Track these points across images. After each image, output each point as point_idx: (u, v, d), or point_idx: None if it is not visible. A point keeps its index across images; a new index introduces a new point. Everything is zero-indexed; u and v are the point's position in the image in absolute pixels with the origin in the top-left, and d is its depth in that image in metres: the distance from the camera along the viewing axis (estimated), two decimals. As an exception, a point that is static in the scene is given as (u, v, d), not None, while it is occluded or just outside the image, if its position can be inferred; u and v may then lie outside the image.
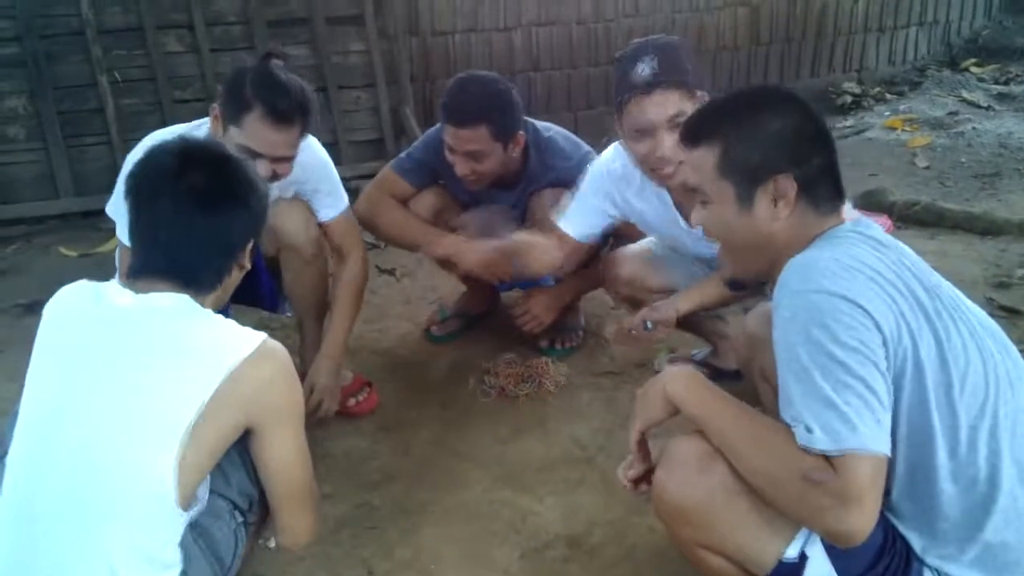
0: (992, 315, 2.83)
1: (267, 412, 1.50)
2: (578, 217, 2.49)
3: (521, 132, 2.60)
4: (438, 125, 2.67)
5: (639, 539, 2.07)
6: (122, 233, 2.23)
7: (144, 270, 1.50)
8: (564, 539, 2.10)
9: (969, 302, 1.47)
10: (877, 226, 1.45)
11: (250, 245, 1.61)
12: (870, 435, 1.22)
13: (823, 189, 1.44)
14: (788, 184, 1.40)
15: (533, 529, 2.14)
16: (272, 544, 1.96)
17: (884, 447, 1.24)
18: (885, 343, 1.27)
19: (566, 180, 2.63)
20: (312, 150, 2.41)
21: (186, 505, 1.42)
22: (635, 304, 2.51)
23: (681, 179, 2.13)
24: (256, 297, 2.64)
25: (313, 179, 2.45)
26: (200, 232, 1.50)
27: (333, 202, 2.51)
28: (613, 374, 2.83)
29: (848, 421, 1.22)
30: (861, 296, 1.27)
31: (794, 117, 1.44)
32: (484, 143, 2.50)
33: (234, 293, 1.64)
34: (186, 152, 1.55)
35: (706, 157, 1.48)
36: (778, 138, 1.43)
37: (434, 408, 2.69)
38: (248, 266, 1.63)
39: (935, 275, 1.43)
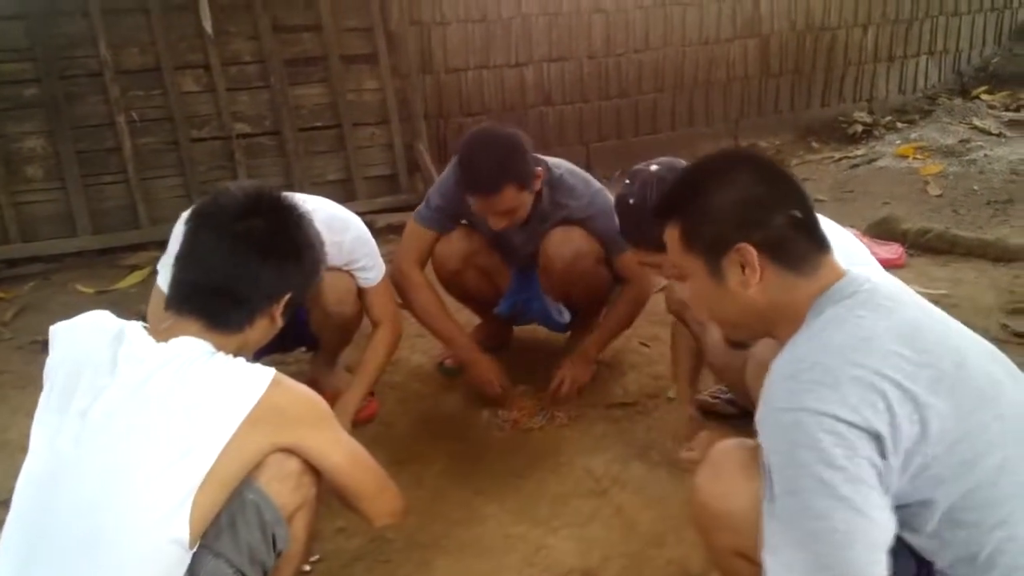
0: (1006, 342, 2.86)
1: (298, 428, 1.54)
2: None
3: (539, 168, 2.62)
4: (451, 169, 2.71)
5: (655, 573, 2.05)
6: (163, 282, 2.28)
7: (177, 302, 1.53)
8: (579, 572, 2.08)
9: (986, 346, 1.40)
10: (884, 279, 1.42)
11: (286, 299, 1.61)
12: None
13: (794, 247, 1.39)
14: (747, 251, 1.38)
15: (548, 562, 2.12)
16: (307, 568, 1.99)
17: None
18: (882, 448, 1.21)
19: (577, 218, 2.68)
20: (350, 231, 2.52)
21: (195, 542, 1.42)
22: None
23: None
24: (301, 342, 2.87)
25: (352, 256, 2.55)
26: (243, 271, 1.53)
27: (371, 275, 2.61)
28: (627, 405, 2.83)
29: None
30: (846, 407, 1.22)
31: (744, 183, 1.41)
32: (513, 199, 2.53)
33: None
34: (256, 197, 1.60)
35: (672, 234, 1.49)
36: (730, 209, 1.41)
37: (447, 441, 2.68)
38: (280, 323, 1.65)
39: (949, 325, 1.38)
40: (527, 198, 2.58)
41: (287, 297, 1.62)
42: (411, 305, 2.84)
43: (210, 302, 1.53)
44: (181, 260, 1.58)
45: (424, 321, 2.88)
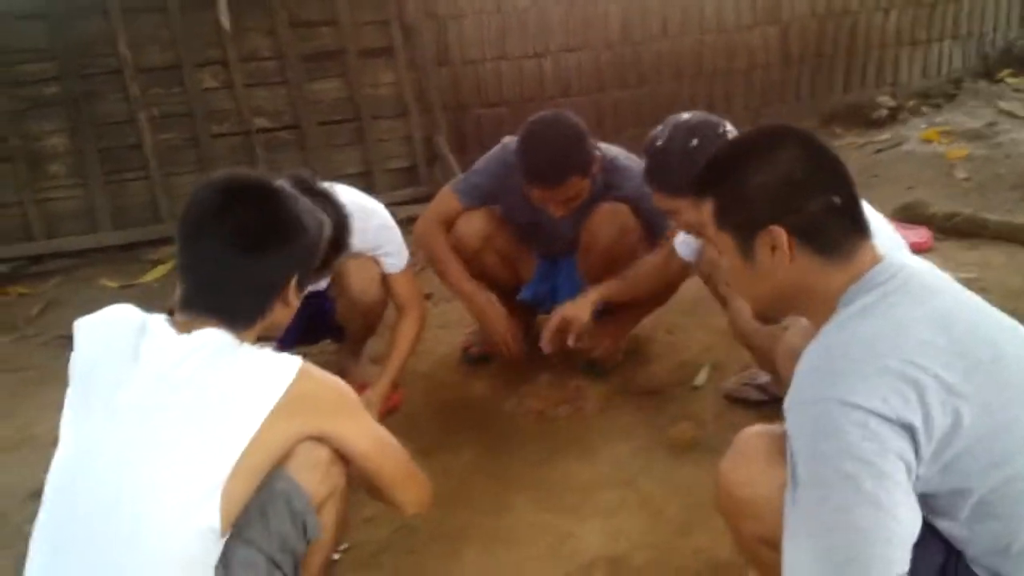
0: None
1: (327, 417, 1.55)
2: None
3: (597, 153, 2.62)
4: (500, 150, 2.73)
5: (683, 562, 2.03)
6: None
7: (188, 305, 1.52)
8: (606, 562, 2.07)
9: None
10: (920, 266, 1.38)
11: (294, 281, 1.60)
12: None
13: (828, 232, 1.36)
14: (778, 234, 1.35)
15: (574, 552, 2.11)
16: (336, 556, 2.00)
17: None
18: (915, 439, 1.19)
19: (626, 197, 2.69)
20: (374, 218, 2.55)
21: (227, 530, 1.42)
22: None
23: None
24: (326, 334, 2.90)
25: (377, 242, 2.58)
26: (241, 271, 1.52)
27: (395, 261, 2.64)
28: (654, 393, 2.81)
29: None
30: (876, 398, 1.19)
31: (784, 164, 1.38)
32: (577, 187, 2.55)
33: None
34: (231, 189, 1.55)
35: (707, 210, 1.47)
36: (765, 189, 1.38)
37: (473, 431, 2.68)
38: (296, 304, 1.63)
39: (986, 314, 1.34)
40: (588, 184, 2.58)
41: (295, 278, 1.60)
42: (431, 255, 2.86)
43: (220, 303, 1.51)
44: (182, 271, 1.56)
45: (443, 273, 2.87)
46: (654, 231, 2.73)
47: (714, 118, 2.26)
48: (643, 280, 2.74)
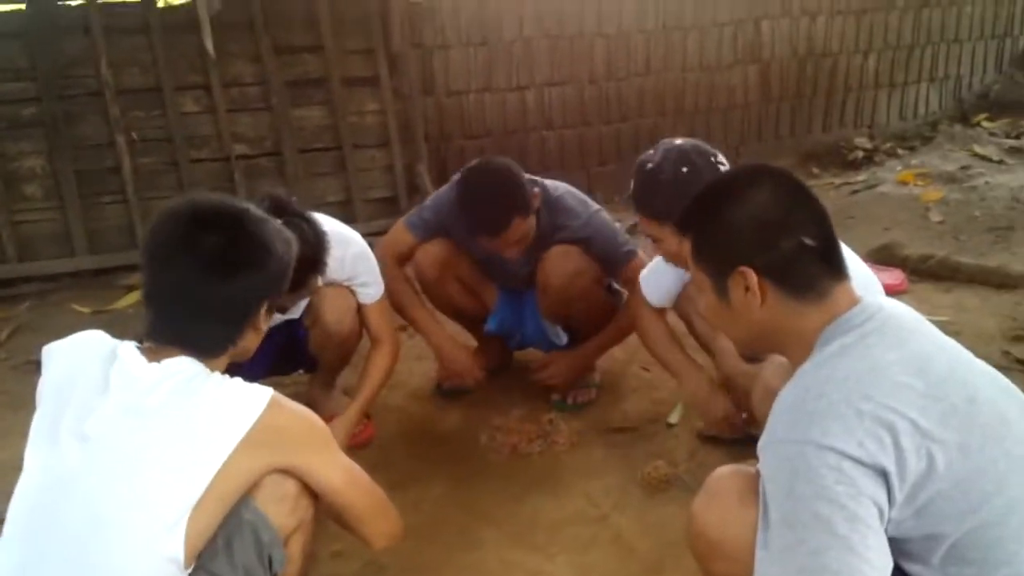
0: (1008, 368, 2.83)
1: (296, 449, 1.53)
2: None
3: (535, 190, 2.62)
4: (449, 188, 2.73)
5: (654, 600, 2.02)
6: None
7: (155, 334, 1.50)
8: (577, 600, 2.05)
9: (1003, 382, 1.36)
10: (897, 308, 1.38)
11: (264, 307, 1.59)
12: None
13: (801, 273, 1.36)
14: (749, 275, 1.36)
15: (545, 589, 2.09)
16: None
17: None
18: (888, 484, 1.19)
19: (575, 238, 2.68)
20: (352, 247, 2.56)
21: (190, 562, 1.40)
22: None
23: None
24: (299, 364, 2.87)
25: (354, 272, 2.58)
26: (210, 298, 1.49)
27: (371, 291, 2.64)
28: (626, 430, 2.79)
29: None
30: (852, 442, 1.19)
31: (757, 205, 1.39)
32: (521, 228, 2.55)
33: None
34: (196, 215, 1.52)
35: (687, 247, 1.49)
36: (737, 229, 1.39)
37: (445, 465, 2.65)
38: (264, 328, 1.62)
39: (960, 358, 1.34)
40: (532, 221, 2.59)
41: (264, 304, 1.58)
42: (387, 289, 2.80)
43: (188, 332, 1.49)
44: (147, 299, 1.53)
45: (399, 306, 2.86)
46: (610, 267, 2.74)
47: (707, 147, 2.23)
48: (628, 328, 2.81)
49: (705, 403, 2.50)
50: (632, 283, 2.68)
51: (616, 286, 2.88)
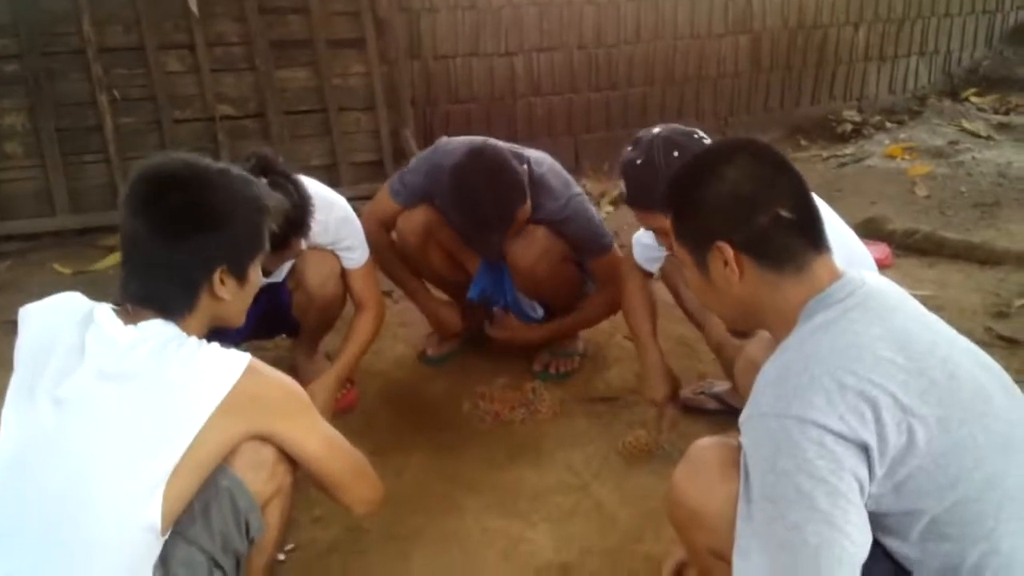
0: (990, 345, 2.85)
1: (274, 416, 1.52)
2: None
3: (524, 167, 2.59)
4: (432, 152, 2.71)
5: (634, 568, 2.03)
6: None
7: (125, 292, 1.49)
8: (557, 567, 2.06)
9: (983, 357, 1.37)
10: (880, 283, 1.38)
11: (219, 273, 1.52)
12: None
13: (778, 247, 1.36)
14: (726, 250, 1.37)
15: (526, 557, 2.10)
16: (281, 557, 1.97)
17: None
18: (868, 459, 1.19)
19: (551, 220, 2.65)
20: (335, 211, 2.53)
21: (167, 529, 1.39)
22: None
23: None
24: (282, 328, 2.87)
25: (337, 236, 2.56)
26: (161, 261, 1.48)
27: (355, 256, 2.62)
28: (609, 400, 2.80)
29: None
30: (833, 416, 1.19)
31: (732, 181, 1.39)
32: (524, 215, 2.54)
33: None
34: (160, 174, 1.51)
35: (668, 224, 1.50)
36: (712, 205, 1.39)
37: (428, 432, 2.65)
38: (225, 296, 1.54)
39: (942, 333, 1.34)
40: (529, 203, 2.56)
41: (221, 269, 1.52)
42: (375, 256, 2.80)
43: (150, 291, 1.48)
44: (122, 255, 1.53)
45: (389, 273, 2.92)
46: (581, 253, 2.74)
47: (685, 128, 2.21)
48: (594, 319, 2.90)
49: (650, 381, 2.47)
50: (603, 274, 2.68)
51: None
